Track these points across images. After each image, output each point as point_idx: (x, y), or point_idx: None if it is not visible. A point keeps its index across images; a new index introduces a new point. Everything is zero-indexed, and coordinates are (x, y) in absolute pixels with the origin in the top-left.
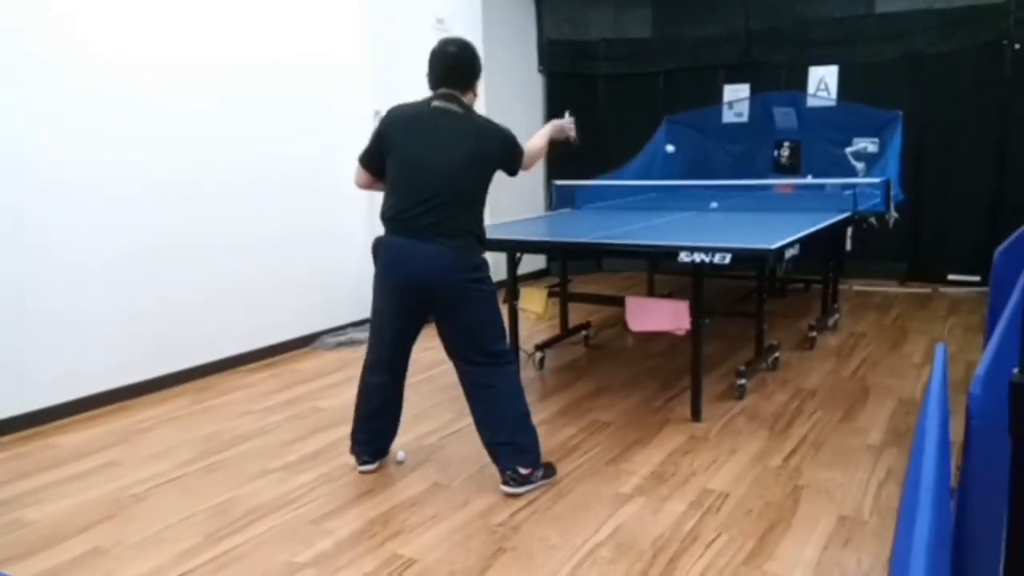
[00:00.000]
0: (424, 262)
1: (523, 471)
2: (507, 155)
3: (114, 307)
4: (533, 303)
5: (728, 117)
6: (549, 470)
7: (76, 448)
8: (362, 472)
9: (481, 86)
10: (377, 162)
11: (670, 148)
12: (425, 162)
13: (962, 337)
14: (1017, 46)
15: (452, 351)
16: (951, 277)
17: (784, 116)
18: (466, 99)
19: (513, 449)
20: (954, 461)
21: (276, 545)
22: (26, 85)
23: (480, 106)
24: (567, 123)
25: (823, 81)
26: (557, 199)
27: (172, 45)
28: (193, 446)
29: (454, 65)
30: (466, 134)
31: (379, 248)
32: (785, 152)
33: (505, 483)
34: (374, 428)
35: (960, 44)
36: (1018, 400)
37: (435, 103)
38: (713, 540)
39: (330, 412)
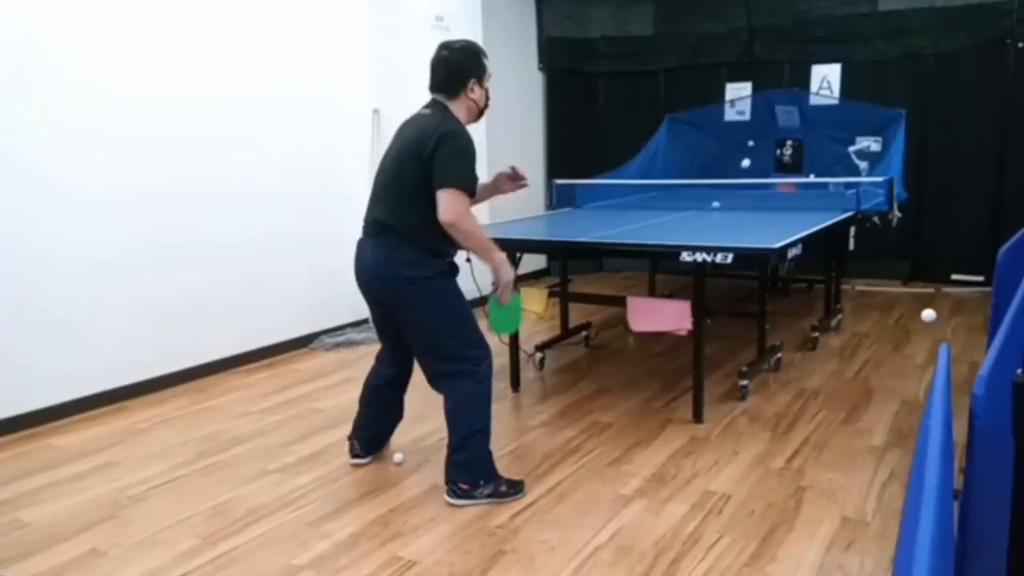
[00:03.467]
0: (364, 260)
1: (463, 486)
2: (433, 149)
3: (113, 307)
4: (533, 303)
5: (730, 115)
6: (512, 488)
7: (74, 449)
8: (352, 464)
9: (489, 88)
10: None
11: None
12: (381, 166)
13: (965, 337)
14: (1020, 44)
15: (414, 354)
16: (954, 277)
17: (786, 114)
18: (457, 103)
19: (453, 465)
20: (958, 462)
21: (274, 547)
22: (26, 85)
23: None
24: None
25: (826, 79)
26: (557, 198)
27: (172, 44)
28: (191, 447)
29: (438, 69)
30: (415, 132)
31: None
32: (787, 151)
33: (446, 492)
34: (368, 419)
35: (963, 43)
36: (1022, 401)
37: (419, 110)
38: (715, 542)
39: (328, 413)
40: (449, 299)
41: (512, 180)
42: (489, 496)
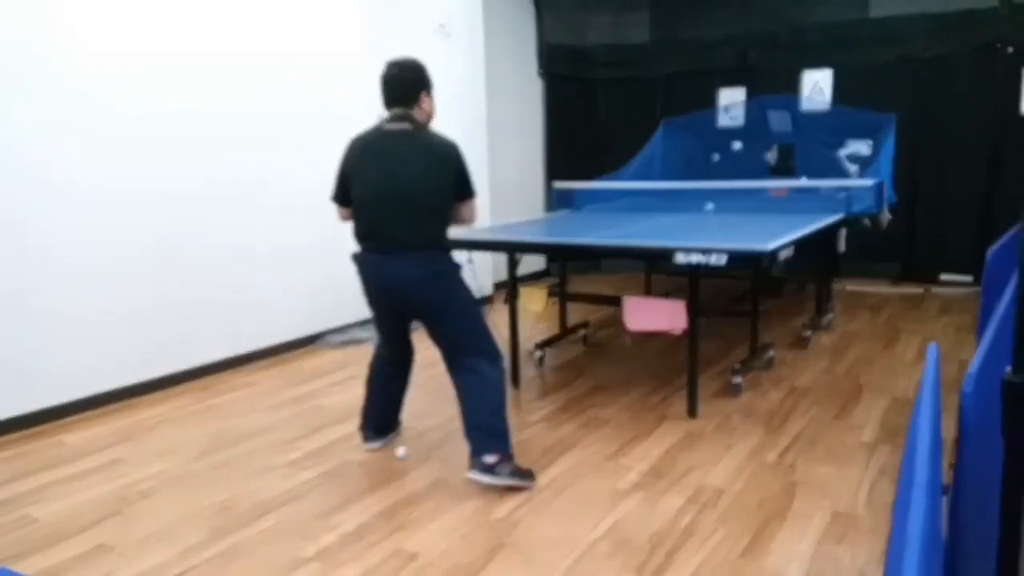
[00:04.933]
0: (392, 276)
1: (488, 460)
2: (457, 168)
3: (119, 306)
4: (533, 303)
5: (724, 121)
6: (526, 475)
7: (81, 446)
8: (368, 449)
9: (438, 99)
10: (345, 196)
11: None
12: (383, 181)
13: (954, 336)
14: (1010, 49)
15: (439, 347)
16: (944, 277)
17: (779, 119)
18: (417, 113)
19: (483, 434)
20: (947, 459)
21: (281, 540)
22: (26, 85)
23: (480, 109)
24: None
25: (818, 85)
26: (556, 200)
27: (174, 47)
28: (198, 443)
29: (395, 85)
30: (417, 148)
31: (357, 262)
32: (780, 155)
33: (471, 468)
34: (379, 408)
35: (954, 48)
36: (1010, 398)
37: (386, 126)
38: (710, 535)
39: (334, 410)
40: (470, 299)
41: None
42: (510, 475)
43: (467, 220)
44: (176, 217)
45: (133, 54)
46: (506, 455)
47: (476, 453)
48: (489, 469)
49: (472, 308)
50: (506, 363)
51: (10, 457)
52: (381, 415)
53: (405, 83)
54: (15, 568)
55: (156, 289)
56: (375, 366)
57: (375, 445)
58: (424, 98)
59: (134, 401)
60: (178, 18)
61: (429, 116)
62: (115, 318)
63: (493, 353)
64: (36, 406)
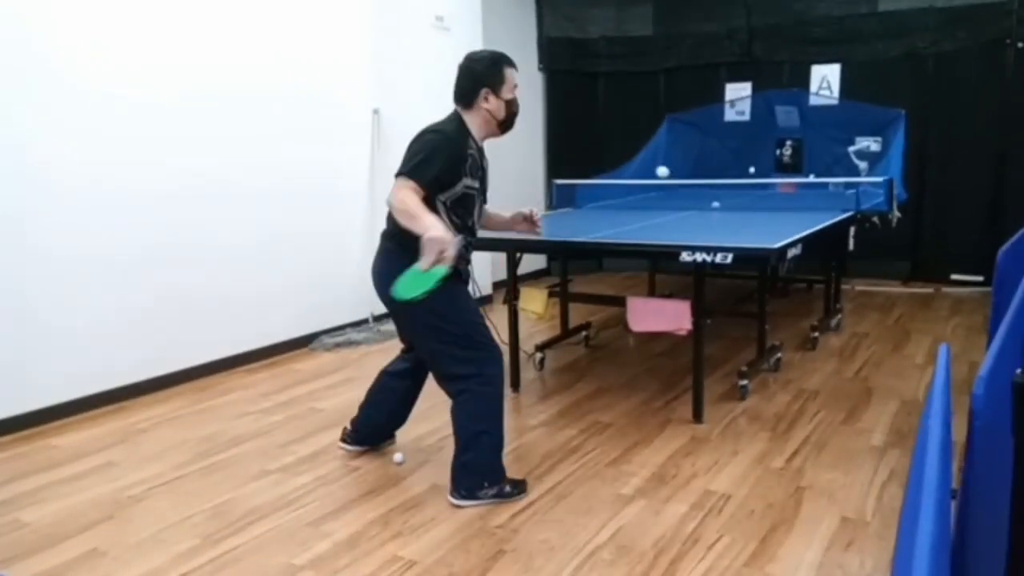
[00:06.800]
0: (373, 269)
1: (465, 489)
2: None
3: (113, 307)
4: (533, 303)
5: (730, 115)
6: (515, 488)
7: (74, 449)
8: (339, 447)
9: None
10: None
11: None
12: None
13: (965, 337)
14: (1020, 44)
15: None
16: (954, 277)
17: (786, 115)
18: (471, 114)
19: (458, 465)
20: (957, 462)
21: (274, 547)
22: (26, 85)
23: None
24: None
25: (825, 79)
26: (557, 198)
27: (173, 45)
28: (191, 447)
29: (457, 79)
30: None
31: None
32: (787, 151)
33: (449, 492)
34: (369, 412)
35: (963, 43)
36: (1021, 400)
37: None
38: (715, 542)
39: (328, 413)
40: (446, 303)
41: (527, 222)
42: (493, 497)
43: (386, 200)
44: (173, 218)
45: (133, 54)
46: (481, 485)
47: (454, 479)
48: (469, 495)
49: (444, 324)
50: (505, 366)
51: (2, 460)
52: (367, 424)
53: (462, 78)
54: (7, 572)
55: (150, 290)
56: (388, 365)
57: (351, 449)
58: (486, 97)
59: (127, 403)
60: (178, 18)
61: (495, 118)
62: (109, 319)
63: (469, 378)
64: (28, 408)
